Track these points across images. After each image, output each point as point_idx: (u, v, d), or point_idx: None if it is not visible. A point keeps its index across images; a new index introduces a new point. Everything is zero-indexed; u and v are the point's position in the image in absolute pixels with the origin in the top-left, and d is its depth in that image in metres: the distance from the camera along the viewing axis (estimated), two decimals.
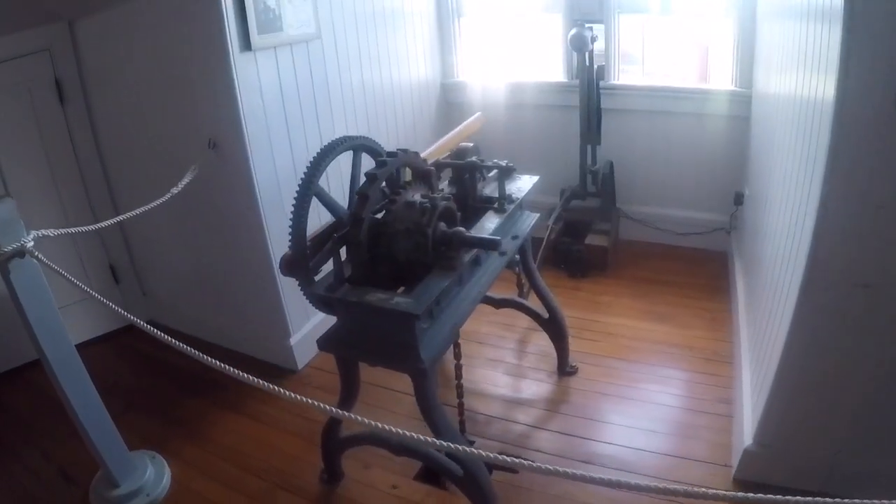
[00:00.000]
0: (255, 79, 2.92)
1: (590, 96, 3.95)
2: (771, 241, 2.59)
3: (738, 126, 3.87)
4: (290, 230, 2.05)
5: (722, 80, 4.01)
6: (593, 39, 3.80)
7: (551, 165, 4.41)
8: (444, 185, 2.74)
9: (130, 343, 4.04)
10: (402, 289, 2.11)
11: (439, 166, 2.61)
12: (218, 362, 1.98)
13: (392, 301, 1.94)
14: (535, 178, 2.84)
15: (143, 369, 3.79)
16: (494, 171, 2.71)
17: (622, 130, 4.19)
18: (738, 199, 3.82)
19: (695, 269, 3.92)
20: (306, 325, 3.49)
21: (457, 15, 4.53)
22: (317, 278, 2.14)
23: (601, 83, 4.05)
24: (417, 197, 2.15)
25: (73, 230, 2.64)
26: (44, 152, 3.69)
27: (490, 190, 2.73)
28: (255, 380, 1.88)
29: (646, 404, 2.87)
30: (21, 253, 2.27)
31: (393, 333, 1.99)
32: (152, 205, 2.85)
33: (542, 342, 3.16)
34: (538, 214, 2.84)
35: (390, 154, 2.19)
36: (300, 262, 2.09)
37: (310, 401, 1.71)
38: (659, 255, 4.15)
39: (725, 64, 3.95)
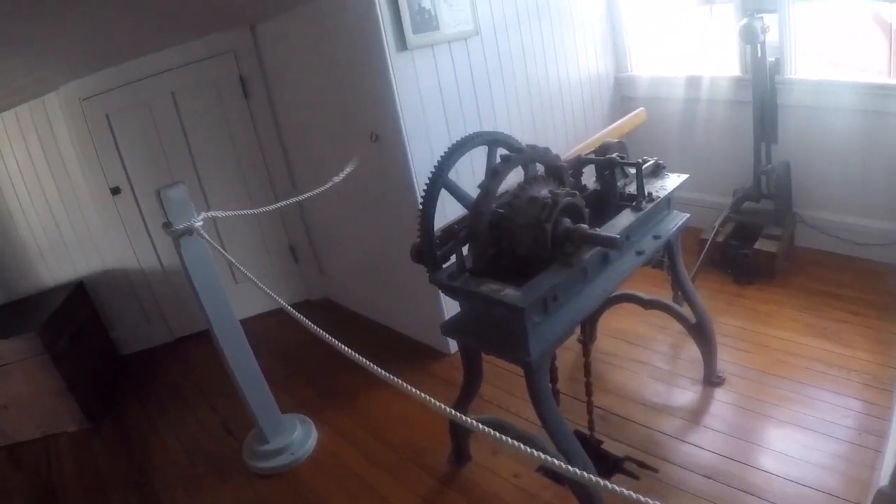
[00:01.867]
0: (413, 76, 3.08)
1: (763, 91, 3.70)
2: None
3: None
4: (418, 220, 2.17)
5: None
6: (764, 30, 3.55)
7: (725, 164, 4.21)
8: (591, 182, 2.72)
9: (307, 316, 4.38)
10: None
11: (581, 162, 2.60)
12: (355, 354, 2.13)
13: (502, 292, 1.99)
14: (683, 178, 2.72)
15: (311, 342, 4.10)
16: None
17: (800, 128, 3.86)
18: None
19: (870, 284, 3.52)
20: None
21: (630, 7, 4.42)
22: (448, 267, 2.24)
23: (776, 77, 3.76)
24: (544, 192, 2.17)
25: (238, 213, 2.98)
26: (231, 142, 4.18)
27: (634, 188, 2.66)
28: (384, 373, 2.00)
29: (789, 426, 2.65)
30: (190, 231, 2.60)
31: (506, 324, 2.03)
32: (314, 192, 3.13)
33: (694, 349, 3.02)
34: (688, 215, 2.72)
35: (517, 149, 2.23)
36: (428, 250, 2.21)
37: (426, 397, 1.79)
38: (834, 266, 3.78)
39: None
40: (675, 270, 2.80)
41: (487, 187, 2.09)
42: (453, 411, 1.79)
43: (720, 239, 3.84)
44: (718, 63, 4.16)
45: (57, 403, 3.57)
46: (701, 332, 2.93)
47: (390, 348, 3.86)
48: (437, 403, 1.76)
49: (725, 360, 3.09)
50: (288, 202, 3.13)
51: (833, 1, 3.73)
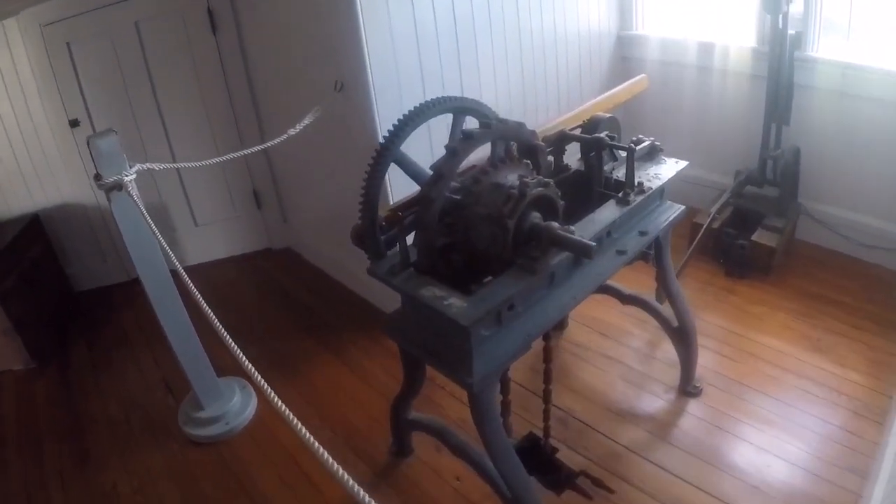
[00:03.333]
0: (385, 19, 2.70)
1: (780, 67, 3.31)
2: None
3: None
4: (360, 197, 1.85)
5: None
6: (789, 0, 3.16)
7: (730, 141, 3.85)
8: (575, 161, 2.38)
9: (265, 267, 4.18)
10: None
11: (563, 139, 2.26)
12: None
13: (445, 301, 1.68)
14: (682, 164, 2.37)
15: (266, 296, 3.90)
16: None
17: (816, 112, 3.47)
18: None
19: (874, 294, 3.20)
20: None
21: None
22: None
23: (796, 53, 3.37)
24: (512, 178, 1.83)
25: (177, 165, 2.72)
26: (197, 79, 3.85)
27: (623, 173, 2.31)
28: None
29: (765, 455, 2.39)
30: (119, 186, 2.30)
31: (449, 336, 1.74)
32: (267, 144, 2.83)
33: (673, 350, 2.73)
34: (682, 207, 2.39)
35: (485, 124, 1.88)
36: (369, 234, 1.90)
37: None
38: (837, 267, 3.45)
39: None
40: (661, 269, 2.48)
41: (440, 170, 1.75)
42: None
43: (715, 225, 3.51)
44: (735, 31, 3.74)
45: (3, 342, 3.42)
46: (682, 338, 2.64)
47: (347, 313, 3.58)
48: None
49: (705, 365, 2.81)
50: (237, 155, 2.79)
51: None
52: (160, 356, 3.37)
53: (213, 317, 1.69)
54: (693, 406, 2.66)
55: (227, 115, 3.92)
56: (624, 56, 4.16)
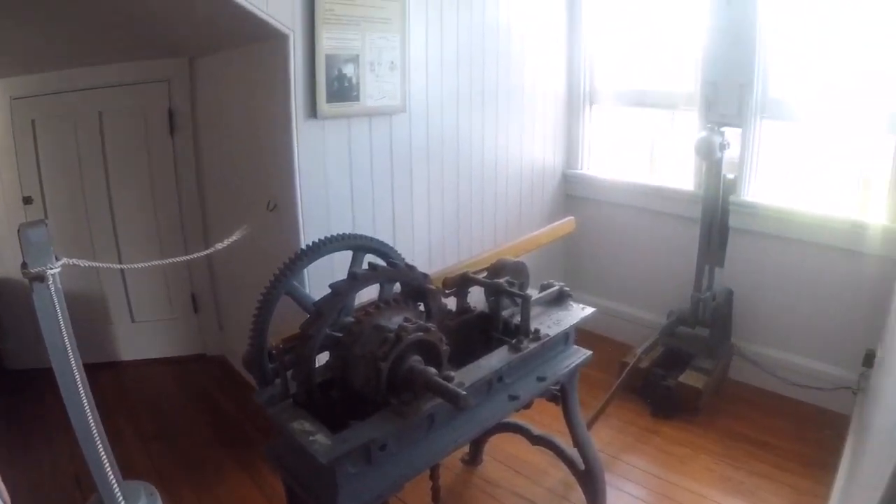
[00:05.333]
0: (320, 147, 2.82)
1: (714, 211, 3.43)
2: (877, 430, 1.99)
3: (886, 271, 3.11)
4: (251, 325, 1.87)
5: (876, 211, 3.28)
6: (723, 147, 3.30)
7: (665, 282, 3.95)
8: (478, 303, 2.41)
9: (196, 373, 4.11)
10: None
11: (465, 283, 2.30)
12: None
13: (311, 437, 1.68)
14: (588, 311, 2.41)
15: (193, 402, 3.83)
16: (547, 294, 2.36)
17: (750, 255, 3.59)
18: (868, 360, 3.04)
19: (804, 433, 3.19)
20: None
21: (589, 101, 4.18)
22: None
23: (731, 197, 3.50)
24: (396, 320, 1.86)
25: (103, 265, 2.69)
26: (149, 175, 3.92)
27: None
28: None
29: None
30: (41, 277, 2.30)
31: (318, 469, 1.71)
32: (194, 256, 2.86)
33: None
34: (588, 353, 2.41)
35: (372, 266, 1.92)
36: (256, 362, 1.90)
37: None
38: (768, 407, 3.45)
39: (881, 193, 3.23)
40: (567, 413, 2.47)
41: (321, 308, 1.78)
42: None
43: (643, 365, 3.52)
44: (675, 174, 3.90)
45: None
46: (589, 482, 2.60)
47: (268, 430, 3.50)
48: None
49: None
50: (158, 263, 2.80)
51: (806, 124, 3.49)
52: (76, 450, 3.26)
53: (92, 421, 1.65)
54: None
55: (174, 216, 3.97)
56: (568, 194, 4.31)
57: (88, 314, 3.91)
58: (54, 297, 2.28)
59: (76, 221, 3.80)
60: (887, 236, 3.13)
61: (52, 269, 2.33)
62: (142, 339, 4.15)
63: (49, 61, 3.56)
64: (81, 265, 2.55)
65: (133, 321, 4.14)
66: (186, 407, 3.75)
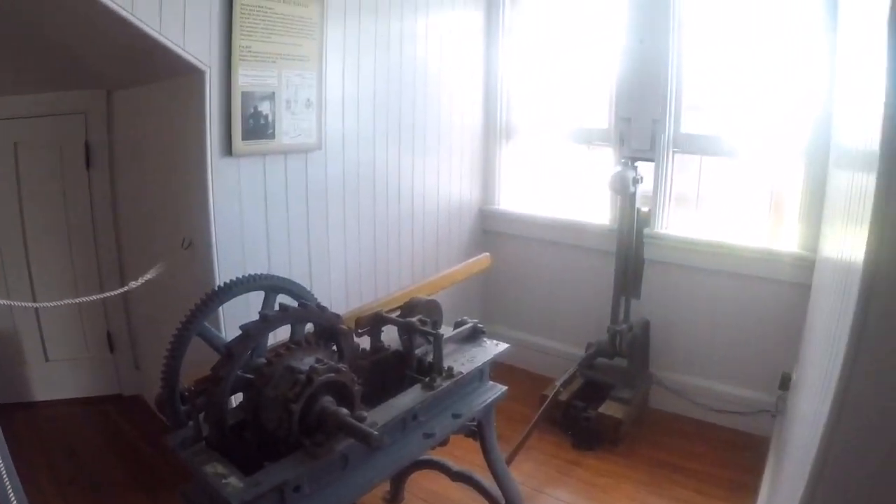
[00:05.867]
0: (235, 185, 2.79)
1: (629, 243, 3.55)
2: (793, 448, 2.06)
3: (798, 296, 3.23)
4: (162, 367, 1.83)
5: (786, 239, 3.47)
6: (636, 181, 3.42)
7: (583, 314, 4.03)
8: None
9: (111, 414, 3.96)
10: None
11: (378, 322, 2.31)
12: None
13: (224, 480, 1.65)
14: (502, 347, 2.45)
15: (107, 444, 3.68)
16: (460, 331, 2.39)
17: (665, 286, 3.72)
18: (784, 383, 3.16)
19: (725, 457, 3.30)
20: None
21: (505, 136, 4.28)
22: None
23: (646, 230, 3.63)
24: (308, 361, 1.85)
25: (12, 303, 2.59)
26: (64, 212, 3.78)
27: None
28: None
29: None
30: None
31: None
32: (110, 294, 2.77)
33: None
34: (504, 389, 2.45)
35: (283, 307, 1.91)
36: (168, 404, 1.86)
37: None
38: (688, 433, 3.55)
39: (791, 221, 3.43)
40: (485, 448, 2.49)
41: (231, 350, 1.76)
42: None
43: (563, 397, 3.58)
44: (590, 208, 4.02)
45: None
46: None
47: (184, 473, 3.39)
48: None
49: None
50: (78, 300, 2.71)
51: (718, 158, 3.64)
52: None
53: (3, 465, 1.57)
54: None
55: (90, 252, 3.84)
56: (485, 230, 4.38)
57: (0, 353, 3.76)
58: None
59: None
60: (798, 263, 3.29)
61: None
62: (56, 378, 3.98)
63: None
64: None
65: (47, 360, 3.95)
66: (103, 449, 3.60)
